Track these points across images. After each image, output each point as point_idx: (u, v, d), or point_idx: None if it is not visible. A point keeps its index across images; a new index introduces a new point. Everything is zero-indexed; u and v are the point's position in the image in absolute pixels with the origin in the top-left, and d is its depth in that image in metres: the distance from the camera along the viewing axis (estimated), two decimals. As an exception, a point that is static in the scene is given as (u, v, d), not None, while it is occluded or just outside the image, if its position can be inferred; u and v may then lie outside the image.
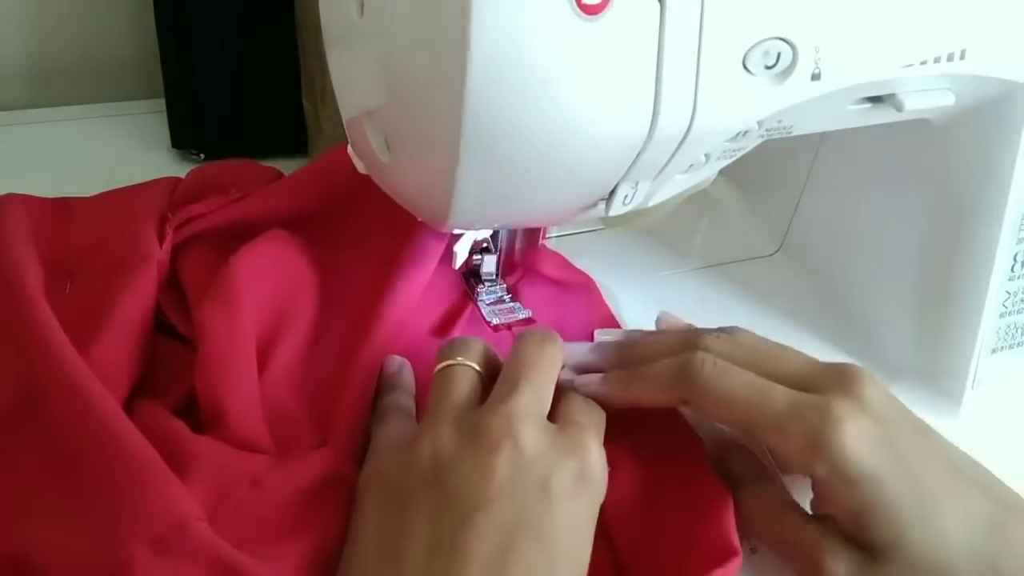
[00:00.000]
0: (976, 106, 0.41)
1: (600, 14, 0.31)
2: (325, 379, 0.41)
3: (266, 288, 0.43)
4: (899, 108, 0.38)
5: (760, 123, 0.37)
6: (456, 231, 0.43)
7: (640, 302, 0.50)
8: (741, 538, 0.36)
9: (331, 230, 0.47)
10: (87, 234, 0.46)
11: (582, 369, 0.40)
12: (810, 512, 0.37)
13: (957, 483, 0.34)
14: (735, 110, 0.35)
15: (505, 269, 0.48)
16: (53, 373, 0.36)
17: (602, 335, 0.44)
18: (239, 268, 0.42)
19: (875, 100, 0.39)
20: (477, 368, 0.37)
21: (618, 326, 0.47)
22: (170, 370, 0.41)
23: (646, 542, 0.36)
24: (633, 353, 0.40)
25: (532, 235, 0.48)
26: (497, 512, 0.32)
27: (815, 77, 0.35)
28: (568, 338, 0.44)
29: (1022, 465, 0.45)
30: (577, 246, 0.51)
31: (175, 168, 0.58)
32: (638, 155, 0.35)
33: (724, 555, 0.34)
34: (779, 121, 0.37)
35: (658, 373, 0.37)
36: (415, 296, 0.45)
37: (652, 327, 0.45)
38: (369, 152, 0.39)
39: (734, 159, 0.40)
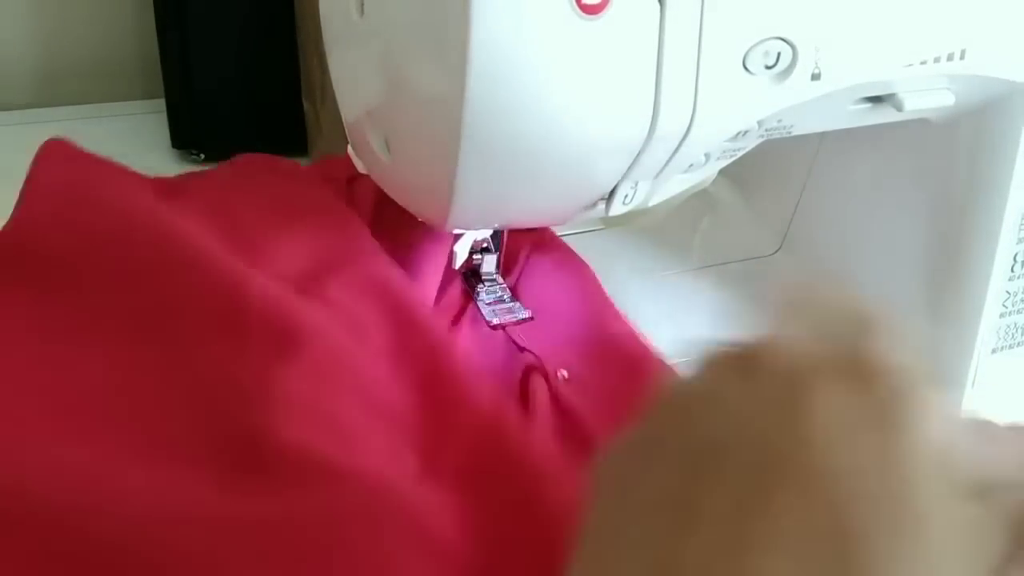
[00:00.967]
0: (976, 106, 0.41)
1: (600, 14, 0.31)
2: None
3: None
4: (899, 108, 0.38)
5: (760, 123, 0.37)
6: (456, 231, 0.43)
7: (640, 302, 0.50)
8: None
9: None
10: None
11: None
12: None
13: None
14: (735, 110, 0.35)
15: (505, 269, 0.48)
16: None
17: None
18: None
19: (875, 100, 0.39)
20: None
21: (618, 314, 0.47)
22: None
23: None
24: None
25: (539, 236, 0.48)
26: None
27: (815, 77, 0.35)
28: (568, 337, 0.45)
29: (1022, 465, 0.45)
30: (577, 246, 0.51)
31: (175, 168, 0.58)
32: (638, 155, 0.35)
33: None
34: (779, 121, 0.37)
35: None
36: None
37: (651, 327, 0.45)
38: (369, 152, 0.39)
39: (734, 159, 0.40)
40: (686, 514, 0.24)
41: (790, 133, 0.39)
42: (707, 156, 0.38)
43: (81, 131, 0.67)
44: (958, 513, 0.23)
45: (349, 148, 0.43)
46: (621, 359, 0.44)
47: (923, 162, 0.46)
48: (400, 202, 0.42)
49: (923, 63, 0.37)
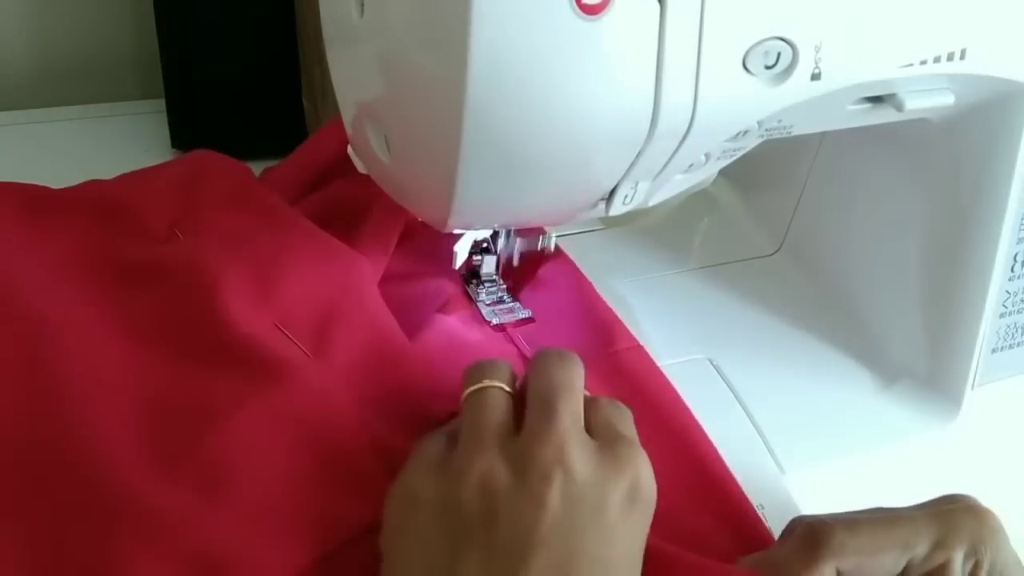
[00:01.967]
0: (976, 106, 0.41)
1: (600, 14, 0.31)
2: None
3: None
4: (899, 108, 0.38)
5: (760, 123, 0.37)
6: (456, 231, 0.43)
7: (640, 302, 0.50)
8: None
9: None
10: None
11: None
12: None
13: None
14: (735, 110, 0.35)
15: (505, 269, 0.48)
16: None
17: None
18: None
19: (875, 100, 0.39)
20: (508, 390, 0.36)
21: (620, 323, 0.47)
22: None
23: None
24: None
25: (530, 237, 0.48)
26: (554, 547, 0.31)
27: (815, 77, 0.35)
28: (567, 336, 0.45)
29: (1022, 465, 0.45)
30: (577, 246, 0.51)
31: (175, 168, 0.58)
32: (638, 155, 0.35)
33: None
34: (779, 121, 0.37)
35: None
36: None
37: (650, 327, 0.45)
38: (369, 152, 0.39)
39: (734, 159, 0.40)
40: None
41: (790, 133, 0.39)
42: (707, 156, 0.38)
43: (81, 131, 0.67)
44: None
45: (349, 148, 0.43)
46: (629, 377, 0.44)
47: (923, 162, 0.46)
48: (400, 202, 0.42)
49: (923, 63, 0.37)
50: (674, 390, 0.43)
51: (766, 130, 0.38)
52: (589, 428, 0.35)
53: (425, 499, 0.33)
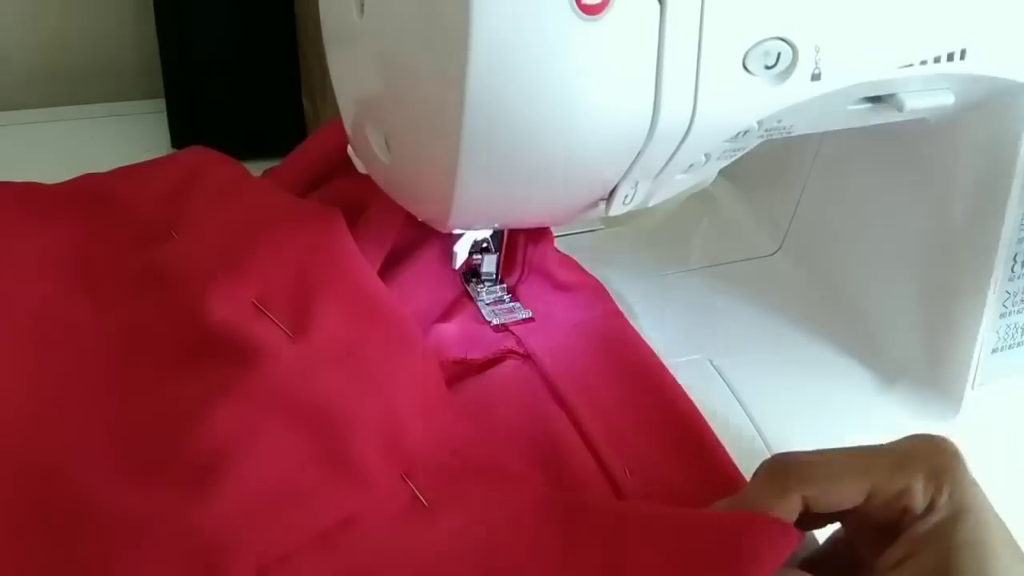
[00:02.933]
0: (976, 106, 0.41)
1: (600, 14, 0.31)
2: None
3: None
4: (899, 108, 0.38)
5: (760, 123, 0.37)
6: (456, 231, 0.43)
7: (640, 302, 0.50)
8: None
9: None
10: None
11: None
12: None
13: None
14: (735, 110, 0.35)
15: (505, 269, 0.48)
16: None
17: None
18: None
19: (875, 100, 0.39)
20: None
21: (628, 324, 0.47)
22: None
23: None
24: None
25: (540, 235, 0.48)
26: None
27: (815, 77, 0.35)
28: (567, 336, 0.44)
29: (1022, 465, 0.45)
30: (577, 246, 0.51)
31: (175, 168, 0.58)
32: (638, 155, 0.35)
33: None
34: (779, 121, 0.37)
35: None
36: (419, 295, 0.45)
37: (650, 327, 0.45)
38: (369, 152, 0.39)
39: (734, 159, 0.40)
40: None
41: (790, 133, 0.39)
42: (707, 156, 0.38)
43: (81, 131, 0.67)
44: None
45: (349, 148, 0.43)
46: (646, 384, 0.44)
47: (923, 162, 0.46)
48: (400, 202, 0.42)
49: (923, 63, 0.37)
50: (649, 348, 0.44)
51: (766, 130, 0.38)
52: None
53: None
